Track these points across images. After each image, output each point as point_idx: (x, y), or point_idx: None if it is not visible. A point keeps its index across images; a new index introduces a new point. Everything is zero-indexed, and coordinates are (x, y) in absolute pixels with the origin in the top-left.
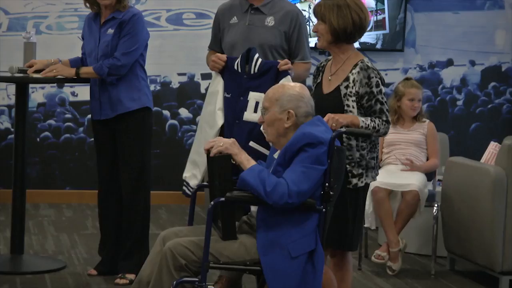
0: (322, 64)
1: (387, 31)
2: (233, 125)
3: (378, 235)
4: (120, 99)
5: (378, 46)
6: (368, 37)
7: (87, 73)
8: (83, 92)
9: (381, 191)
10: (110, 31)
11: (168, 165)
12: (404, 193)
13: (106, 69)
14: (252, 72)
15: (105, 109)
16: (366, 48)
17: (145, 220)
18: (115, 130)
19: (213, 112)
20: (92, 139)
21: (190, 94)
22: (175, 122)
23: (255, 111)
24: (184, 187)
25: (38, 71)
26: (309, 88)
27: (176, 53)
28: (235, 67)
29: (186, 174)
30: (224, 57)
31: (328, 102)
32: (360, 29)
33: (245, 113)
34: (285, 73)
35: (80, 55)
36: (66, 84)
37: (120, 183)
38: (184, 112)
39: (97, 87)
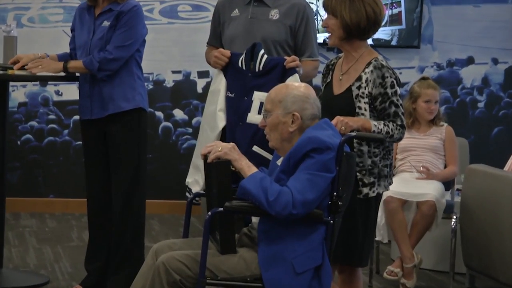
0: (332, 62)
1: (403, 26)
2: (235, 128)
3: (391, 249)
4: (113, 97)
5: (394, 42)
6: (382, 33)
7: (76, 67)
8: (68, 91)
9: (395, 201)
10: (106, 23)
11: (162, 172)
12: (419, 204)
13: (96, 64)
14: (257, 69)
15: (96, 108)
16: (380, 45)
17: (138, 232)
18: (106, 132)
19: (214, 113)
20: (78, 142)
21: (185, 94)
22: (169, 124)
23: (260, 112)
24: (187, 193)
25: (23, 67)
26: (318, 88)
27: (170, 48)
28: (239, 64)
29: (188, 180)
30: (227, 53)
31: (338, 104)
32: (375, 24)
33: (249, 114)
34: (292, 71)
35: (67, 50)
36: (49, 82)
37: (111, 190)
38: (179, 114)
39: (88, 83)
